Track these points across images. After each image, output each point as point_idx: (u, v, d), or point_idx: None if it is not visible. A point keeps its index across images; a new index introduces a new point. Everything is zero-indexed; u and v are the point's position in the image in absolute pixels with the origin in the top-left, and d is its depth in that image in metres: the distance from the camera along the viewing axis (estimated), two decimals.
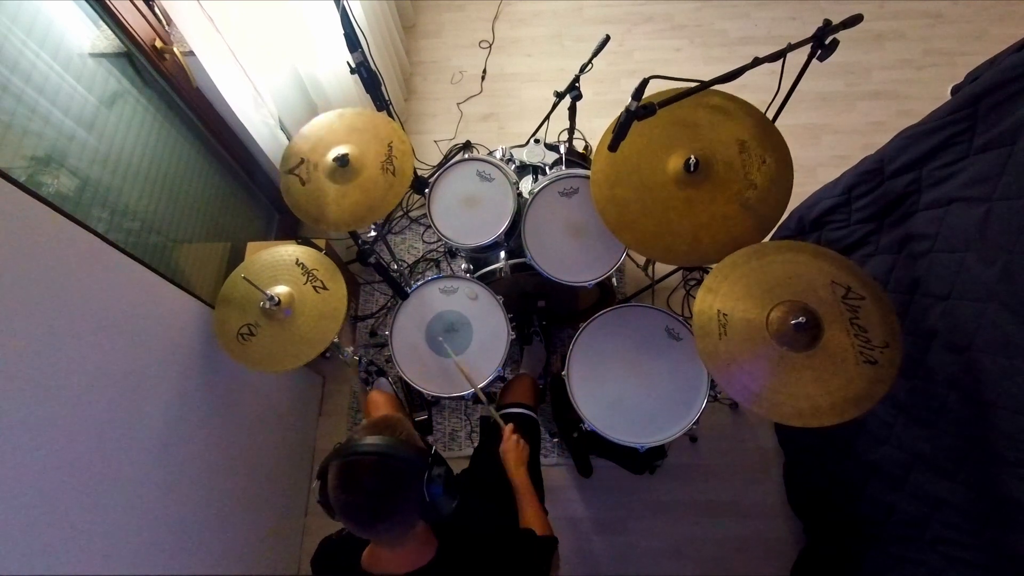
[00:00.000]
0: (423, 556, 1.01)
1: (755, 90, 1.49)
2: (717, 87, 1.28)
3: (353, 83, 2.20)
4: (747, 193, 1.45)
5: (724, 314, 1.31)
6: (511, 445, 1.39)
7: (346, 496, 0.92)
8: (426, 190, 1.85)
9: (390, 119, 1.71)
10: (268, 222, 2.49)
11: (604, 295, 1.98)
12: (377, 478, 0.91)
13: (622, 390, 1.59)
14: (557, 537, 1.24)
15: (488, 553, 1.08)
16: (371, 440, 0.93)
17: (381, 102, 1.76)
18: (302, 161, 1.65)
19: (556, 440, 2.19)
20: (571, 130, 2.05)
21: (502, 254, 1.81)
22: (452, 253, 2.52)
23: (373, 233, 2.41)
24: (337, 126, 1.69)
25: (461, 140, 2.76)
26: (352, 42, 1.57)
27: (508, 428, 1.42)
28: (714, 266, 1.40)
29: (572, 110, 1.94)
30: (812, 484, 1.96)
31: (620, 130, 1.26)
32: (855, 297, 1.28)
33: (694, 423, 1.53)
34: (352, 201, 1.60)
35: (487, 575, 1.06)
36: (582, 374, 1.62)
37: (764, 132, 1.48)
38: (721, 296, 1.33)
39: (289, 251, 1.65)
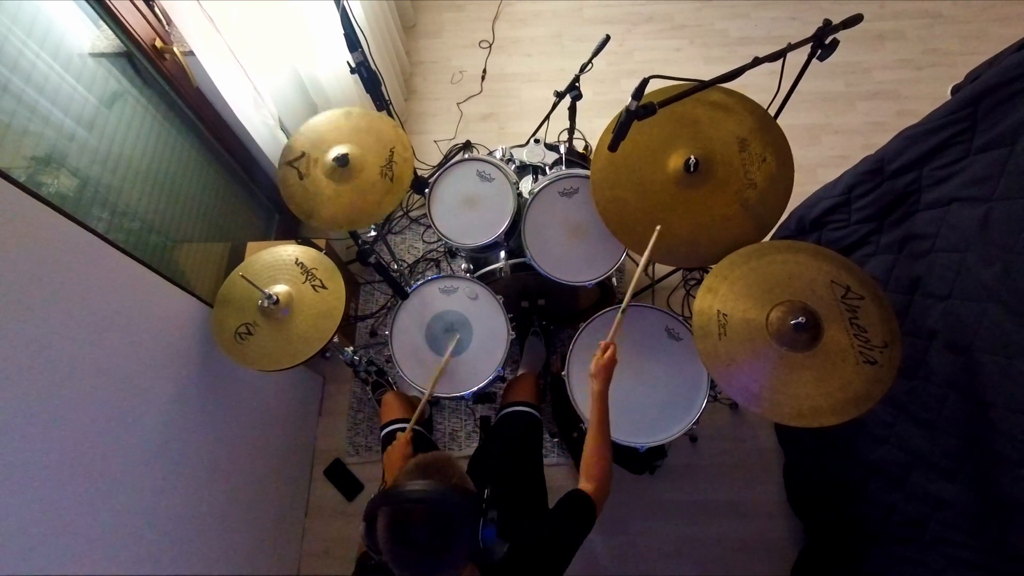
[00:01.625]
0: None
1: (755, 90, 1.49)
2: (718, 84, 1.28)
3: (353, 83, 2.20)
4: (747, 193, 1.45)
5: (724, 314, 1.31)
6: (606, 356, 1.28)
7: (398, 548, 0.89)
8: (426, 190, 1.85)
9: (397, 125, 1.71)
10: (268, 222, 2.49)
11: (604, 295, 1.98)
12: (429, 528, 0.88)
13: (622, 390, 1.59)
14: (593, 499, 1.15)
15: (527, 567, 1.06)
16: (421, 486, 0.89)
17: (381, 102, 1.76)
18: (303, 155, 1.64)
19: (556, 440, 2.19)
20: (571, 130, 2.05)
21: (502, 254, 1.81)
22: (452, 253, 2.51)
23: (373, 233, 2.41)
24: (343, 124, 1.69)
25: (461, 140, 2.76)
26: (352, 42, 1.57)
27: (604, 343, 1.31)
28: (714, 266, 1.40)
29: (572, 110, 1.94)
30: (812, 484, 1.96)
31: (620, 130, 1.26)
32: (854, 297, 1.28)
33: (694, 423, 1.53)
34: (346, 202, 1.60)
35: None
36: (582, 374, 1.61)
37: (764, 129, 1.48)
38: (721, 296, 1.33)
39: (289, 251, 1.65)
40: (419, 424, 2.11)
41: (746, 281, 1.34)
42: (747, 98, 1.52)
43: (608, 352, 1.29)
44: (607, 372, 1.29)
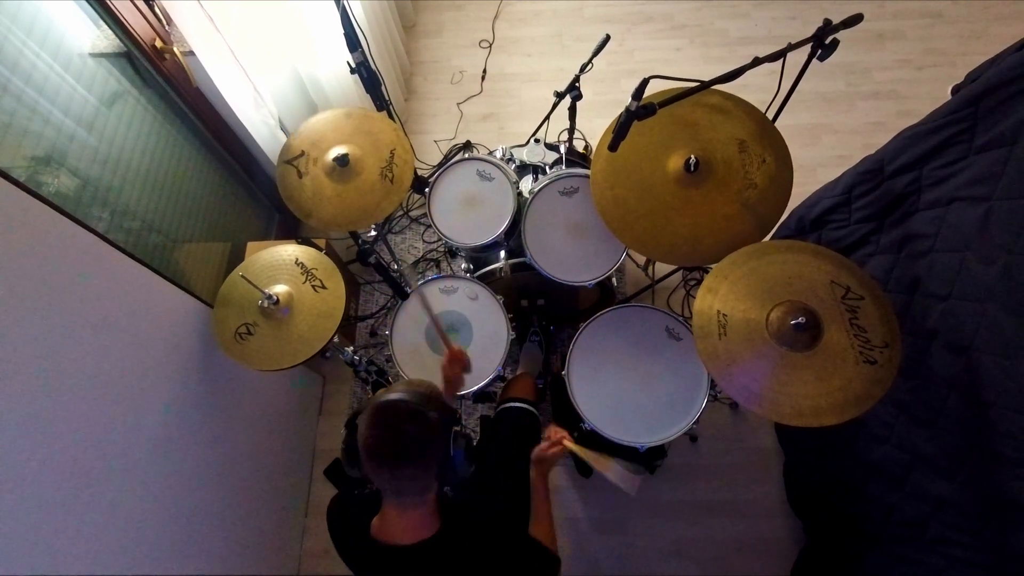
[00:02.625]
0: (428, 528, 1.03)
1: (755, 90, 1.49)
2: (717, 87, 1.28)
3: (353, 83, 2.20)
4: (747, 193, 1.45)
5: (724, 314, 1.31)
6: (551, 451, 1.33)
7: (379, 432, 0.95)
8: (426, 190, 1.85)
9: (398, 127, 1.71)
10: (268, 222, 2.49)
11: (604, 295, 1.98)
12: (411, 423, 0.95)
13: (622, 390, 1.59)
14: (559, 558, 1.20)
15: (488, 538, 1.08)
16: (407, 390, 0.99)
17: (381, 102, 1.76)
18: (302, 153, 1.64)
19: None
20: (571, 130, 2.05)
21: (502, 254, 1.81)
22: (452, 253, 2.51)
23: (373, 233, 2.41)
24: (344, 125, 1.68)
25: (461, 140, 2.76)
26: (352, 42, 1.57)
27: (554, 430, 1.38)
28: (714, 266, 1.40)
29: (572, 110, 1.94)
30: (812, 484, 1.96)
31: (620, 130, 1.26)
32: (854, 297, 1.28)
33: (694, 423, 1.53)
34: (347, 203, 1.60)
35: (486, 556, 1.06)
36: (582, 374, 1.62)
37: (763, 132, 1.48)
38: (721, 296, 1.33)
39: (289, 251, 1.65)
40: None
41: (746, 281, 1.34)
42: (745, 101, 1.52)
43: (555, 448, 1.33)
44: (547, 464, 1.34)
